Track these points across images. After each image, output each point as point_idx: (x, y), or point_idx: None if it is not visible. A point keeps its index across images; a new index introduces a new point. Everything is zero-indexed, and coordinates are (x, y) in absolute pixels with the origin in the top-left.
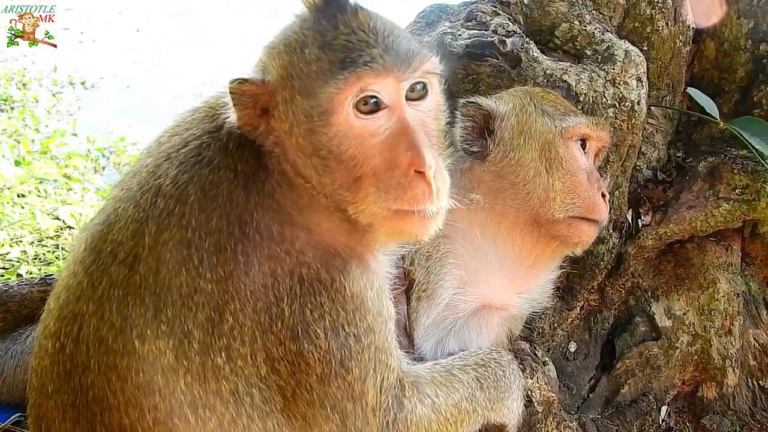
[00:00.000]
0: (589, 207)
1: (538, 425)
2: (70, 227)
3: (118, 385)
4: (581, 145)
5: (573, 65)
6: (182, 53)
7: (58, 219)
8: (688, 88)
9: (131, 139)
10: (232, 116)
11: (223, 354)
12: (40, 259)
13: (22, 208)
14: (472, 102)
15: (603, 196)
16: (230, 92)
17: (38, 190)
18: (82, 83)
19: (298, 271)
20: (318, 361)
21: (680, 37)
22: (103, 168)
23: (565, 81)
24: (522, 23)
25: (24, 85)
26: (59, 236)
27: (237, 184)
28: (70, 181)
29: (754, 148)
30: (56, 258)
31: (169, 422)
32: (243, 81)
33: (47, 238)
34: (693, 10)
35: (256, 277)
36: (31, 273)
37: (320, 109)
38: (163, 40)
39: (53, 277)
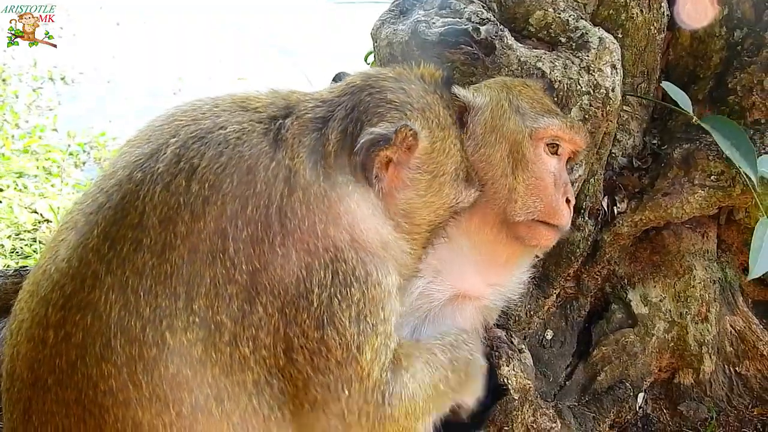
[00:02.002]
0: (550, 212)
1: (515, 412)
2: (48, 221)
3: (142, 377)
4: (553, 147)
5: (547, 52)
6: (162, 48)
7: (36, 213)
8: (663, 82)
9: (112, 134)
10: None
11: (250, 344)
12: (17, 252)
13: (0, 202)
14: (451, 92)
15: (567, 201)
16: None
17: (17, 184)
18: (62, 78)
19: (333, 266)
20: (338, 346)
21: (655, 24)
22: (84, 163)
23: (540, 68)
24: (496, 11)
25: (3, 80)
26: (37, 230)
27: (276, 174)
28: (50, 176)
29: (724, 153)
30: (34, 251)
31: (192, 416)
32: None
33: (25, 231)
34: (684, 11)
35: (291, 270)
36: (8, 266)
37: None
38: (143, 35)
39: (28, 269)
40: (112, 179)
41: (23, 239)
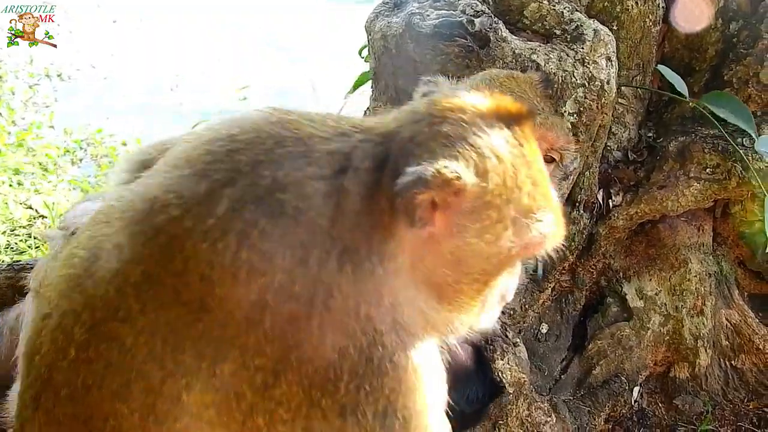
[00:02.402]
0: None
1: (509, 407)
2: (43, 216)
3: (152, 427)
4: None
5: (542, 45)
6: (160, 47)
7: (31, 208)
8: (658, 65)
9: (108, 130)
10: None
11: (266, 416)
12: (12, 248)
13: None
14: (433, 81)
15: None
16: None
17: (12, 180)
18: (59, 75)
19: (369, 351)
20: None
21: (650, 16)
22: (80, 160)
23: (534, 61)
24: (490, 3)
25: (0, 77)
26: (32, 225)
27: (329, 252)
28: (46, 172)
29: (721, 118)
30: (28, 247)
31: None
32: None
33: (20, 227)
34: (680, 15)
35: (323, 353)
36: (3, 261)
37: None
38: (140, 33)
39: (21, 263)
40: (163, 214)
41: (18, 235)
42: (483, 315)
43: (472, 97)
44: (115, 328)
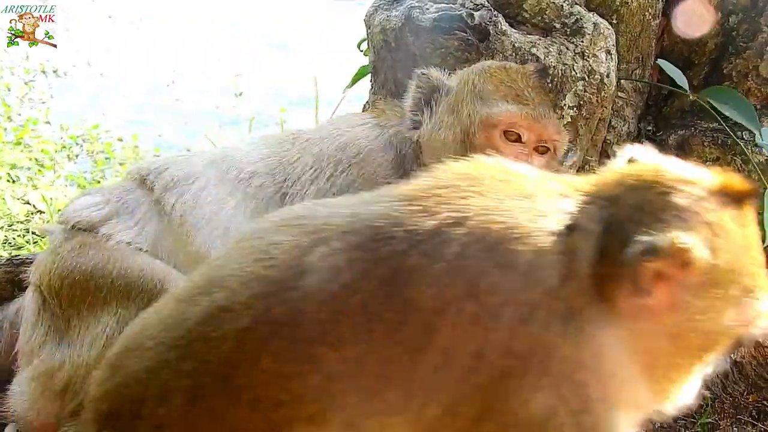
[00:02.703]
0: None
1: None
2: (40, 212)
3: None
4: (512, 134)
5: (542, 38)
6: (158, 44)
7: (29, 204)
8: (658, 60)
9: (105, 126)
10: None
11: None
12: (10, 243)
13: None
14: (425, 73)
15: None
16: None
17: (9, 176)
18: (55, 71)
19: (578, 417)
20: None
21: (650, 9)
22: (77, 156)
23: (534, 54)
24: None
25: None
26: (29, 221)
27: (556, 312)
28: (43, 168)
29: (722, 114)
30: (26, 242)
31: None
32: None
33: (17, 222)
34: (682, 19)
35: (532, 408)
36: (2, 257)
37: None
38: (138, 30)
39: (20, 258)
40: (387, 246)
41: (16, 230)
42: (687, 390)
43: (701, 172)
44: (321, 352)
